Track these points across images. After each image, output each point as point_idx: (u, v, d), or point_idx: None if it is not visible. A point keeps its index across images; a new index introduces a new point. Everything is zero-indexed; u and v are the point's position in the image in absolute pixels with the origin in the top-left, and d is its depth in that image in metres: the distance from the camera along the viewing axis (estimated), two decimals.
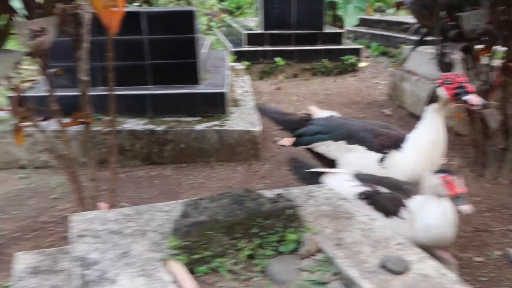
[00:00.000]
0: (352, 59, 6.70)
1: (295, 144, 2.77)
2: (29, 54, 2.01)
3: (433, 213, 1.87)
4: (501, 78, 3.13)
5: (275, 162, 3.48)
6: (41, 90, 3.30)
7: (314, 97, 5.45)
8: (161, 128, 3.47)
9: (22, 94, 2.15)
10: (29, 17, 1.99)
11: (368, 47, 7.96)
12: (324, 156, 2.64)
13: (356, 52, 6.84)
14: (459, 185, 1.77)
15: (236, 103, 4.24)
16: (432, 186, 1.85)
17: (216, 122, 3.62)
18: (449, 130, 4.23)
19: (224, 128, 3.52)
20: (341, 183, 2.16)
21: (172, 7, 8.90)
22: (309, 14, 6.81)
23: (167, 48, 3.82)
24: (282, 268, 1.52)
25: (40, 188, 3.14)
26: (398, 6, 3.42)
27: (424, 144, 2.26)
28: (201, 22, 9.98)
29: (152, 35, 3.76)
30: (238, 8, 11.04)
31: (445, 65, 3.11)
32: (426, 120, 2.27)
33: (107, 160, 2.35)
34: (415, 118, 4.70)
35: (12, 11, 1.99)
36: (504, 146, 3.14)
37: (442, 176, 1.81)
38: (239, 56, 6.50)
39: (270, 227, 1.58)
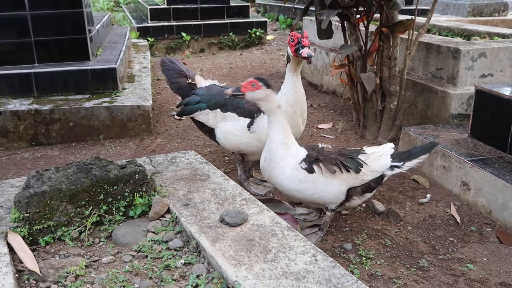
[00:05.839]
0: (259, 32, 6.76)
1: (180, 114, 2.77)
2: None
3: None
4: (377, 43, 3.30)
5: (167, 136, 3.48)
6: None
7: (218, 70, 5.46)
8: (46, 107, 3.34)
9: None
10: None
11: (276, 20, 8.05)
12: (204, 124, 2.67)
13: (263, 25, 6.89)
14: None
15: (132, 79, 4.17)
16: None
17: (107, 99, 3.54)
18: (338, 95, 4.43)
19: (114, 104, 3.45)
20: None
21: None
22: None
23: (52, 24, 3.65)
24: (128, 231, 1.54)
25: None
26: None
27: (284, 106, 2.33)
28: None
29: (35, 11, 3.58)
30: None
31: (324, 32, 3.23)
32: (285, 82, 2.34)
33: None
34: (313, 87, 4.88)
35: None
36: (381, 107, 3.33)
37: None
38: (144, 32, 6.35)
39: (118, 193, 1.60)
